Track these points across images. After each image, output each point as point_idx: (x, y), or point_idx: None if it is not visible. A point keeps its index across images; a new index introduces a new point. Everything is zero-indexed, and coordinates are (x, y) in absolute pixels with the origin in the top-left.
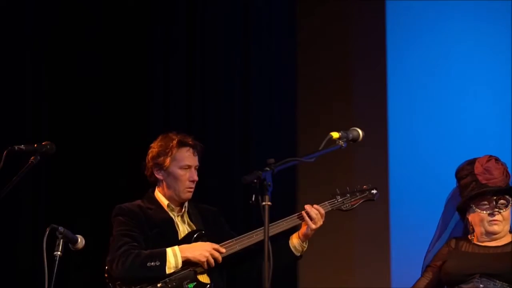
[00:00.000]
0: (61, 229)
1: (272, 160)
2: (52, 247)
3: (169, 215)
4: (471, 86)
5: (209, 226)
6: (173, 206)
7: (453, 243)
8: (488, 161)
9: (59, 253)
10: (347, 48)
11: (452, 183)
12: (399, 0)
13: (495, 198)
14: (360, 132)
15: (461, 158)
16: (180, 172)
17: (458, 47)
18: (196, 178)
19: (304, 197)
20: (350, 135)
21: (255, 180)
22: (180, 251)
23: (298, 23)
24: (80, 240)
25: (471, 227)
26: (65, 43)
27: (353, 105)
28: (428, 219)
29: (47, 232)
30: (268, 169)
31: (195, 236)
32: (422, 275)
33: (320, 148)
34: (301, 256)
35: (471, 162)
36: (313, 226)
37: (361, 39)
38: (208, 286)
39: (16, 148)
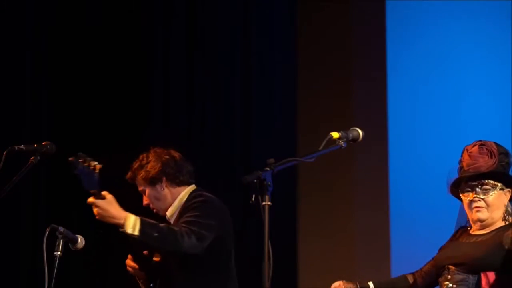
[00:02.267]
0: (61, 229)
1: (272, 160)
2: (52, 247)
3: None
4: (471, 86)
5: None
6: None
7: (458, 232)
8: (473, 146)
9: (59, 253)
10: (347, 48)
11: None
12: (399, 0)
13: (477, 183)
14: (360, 132)
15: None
16: None
17: (458, 46)
18: (144, 203)
19: (304, 197)
20: (350, 135)
21: (255, 180)
22: None
23: (298, 23)
24: (80, 240)
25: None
26: (64, 42)
27: (353, 105)
28: (428, 219)
29: (47, 232)
30: (268, 169)
31: None
32: (430, 261)
33: (320, 148)
34: (136, 235)
35: (464, 151)
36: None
37: (361, 39)
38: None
39: (16, 148)
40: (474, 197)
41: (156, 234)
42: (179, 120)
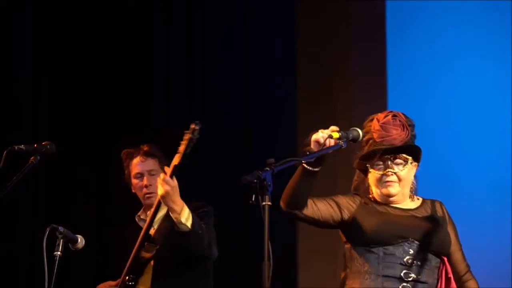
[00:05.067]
0: (61, 229)
1: (272, 160)
2: (52, 247)
3: (136, 229)
4: (471, 85)
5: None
6: (142, 217)
7: (358, 198)
8: (385, 117)
9: (59, 253)
10: (347, 48)
11: (453, 181)
12: (399, 0)
13: (390, 157)
14: (360, 132)
15: (461, 157)
16: (135, 181)
17: (458, 46)
18: (146, 183)
19: None
20: (350, 135)
21: (255, 180)
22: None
23: (298, 23)
24: (80, 240)
25: (370, 188)
26: (65, 42)
27: (353, 105)
28: None
29: (47, 232)
30: (268, 169)
31: (144, 235)
32: (327, 198)
33: (320, 148)
34: (190, 229)
35: (372, 119)
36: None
37: (361, 38)
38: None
39: (16, 148)
40: (388, 171)
41: (200, 232)
42: (179, 120)
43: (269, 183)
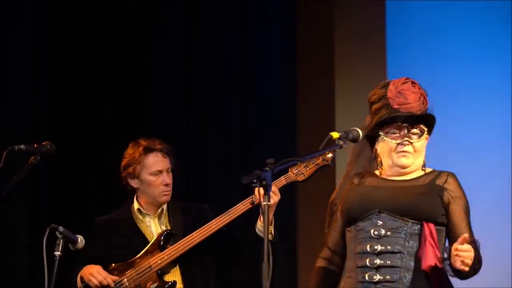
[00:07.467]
0: (61, 229)
1: (272, 160)
2: (52, 247)
3: (135, 221)
4: (471, 86)
5: (188, 224)
6: (145, 212)
7: (356, 179)
8: (403, 83)
9: (59, 253)
10: (347, 48)
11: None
12: (399, 0)
13: (407, 126)
14: (360, 132)
15: (460, 157)
16: (152, 178)
17: (458, 46)
18: (168, 181)
19: (304, 196)
20: (350, 135)
21: (255, 180)
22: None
23: (297, 23)
24: (80, 240)
25: (379, 159)
26: (65, 42)
27: (353, 104)
28: None
29: (47, 232)
30: (268, 169)
31: (163, 236)
32: (329, 227)
33: (320, 148)
34: (274, 240)
35: (385, 85)
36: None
37: (361, 38)
38: (168, 285)
39: (16, 148)
40: (405, 140)
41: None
42: (179, 119)
43: (269, 183)
